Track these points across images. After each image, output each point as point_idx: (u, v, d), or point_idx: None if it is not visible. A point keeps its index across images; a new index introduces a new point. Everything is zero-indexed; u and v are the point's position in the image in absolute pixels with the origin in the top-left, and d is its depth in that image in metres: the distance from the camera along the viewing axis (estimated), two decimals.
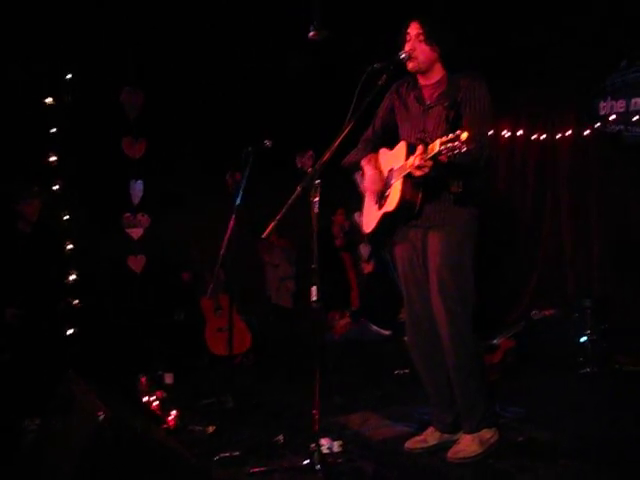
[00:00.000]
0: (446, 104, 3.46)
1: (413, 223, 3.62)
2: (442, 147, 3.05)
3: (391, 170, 3.63)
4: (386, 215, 3.60)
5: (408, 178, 3.43)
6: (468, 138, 2.97)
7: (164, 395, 4.86)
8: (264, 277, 7.86)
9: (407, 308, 3.84)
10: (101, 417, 2.55)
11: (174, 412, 4.38)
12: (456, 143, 2.99)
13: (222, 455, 3.67)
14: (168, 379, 5.59)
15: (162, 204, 6.84)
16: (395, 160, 3.59)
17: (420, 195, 3.48)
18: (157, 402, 4.67)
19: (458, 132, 2.99)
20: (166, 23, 5.82)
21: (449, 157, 3.06)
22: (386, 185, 3.65)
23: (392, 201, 3.53)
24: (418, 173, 3.29)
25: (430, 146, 3.18)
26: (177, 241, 6.89)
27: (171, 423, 4.32)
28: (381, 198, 3.69)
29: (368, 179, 3.75)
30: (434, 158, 3.17)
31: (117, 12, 5.59)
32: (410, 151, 3.42)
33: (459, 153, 3.00)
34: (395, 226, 3.70)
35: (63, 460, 2.77)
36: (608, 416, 4.22)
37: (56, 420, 3.06)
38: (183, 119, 6.71)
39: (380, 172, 3.73)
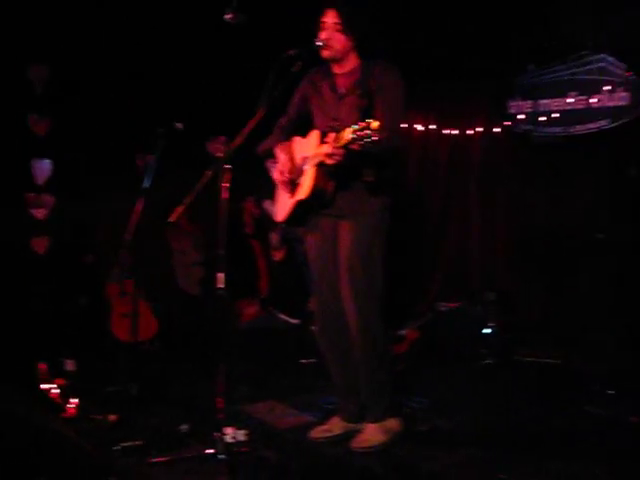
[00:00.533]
0: (359, 92, 3.46)
1: (325, 212, 3.61)
2: (353, 135, 3.04)
3: (304, 158, 3.61)
4: (298, 203, 3.59)
5: (320, 166, 3.42)
6: (379, 127, 2.98)
7: (65, 383, 4.69)
8: (172, 263, 7.73)
9: (316, 297, 3.84)
10: None
11: (74, 400, 4.25)
12: (367, 131, 2.99)
13: (124, 444, 3.58)
14: (69, 366, 5.39)
15: (69, 184, 6.60)
16: (308, 148, 3.58)
17: (332, 184, 3.48)
18: (57, 390, 4.51)
19: (369, 120, 2.99)
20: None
21: (361, 146, 3.05)
22: (298, 173, 3.63)
23: (304, 189, 3.52)
24: (330, 161, 3.29)
25: (341, 134, 3.17)
26: (84, 223, 6.68)
27: (71, 412, 4.19)
28: (293, 186, 3.67)
29: (280, 166, 3.72)
30: (346, 147, 3.16)
31: None
32: (323, 139, 3.41)
33: (370, 142, 3.00)
34: (307, 214, 3.70)
35: None
36: (506, 405, 4.40)
37: None
38: (93, 97, 6.48)
39: (293, 160, 3.71)
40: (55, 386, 4.55)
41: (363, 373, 3.66)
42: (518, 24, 5.83)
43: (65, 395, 4.42)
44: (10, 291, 6.15)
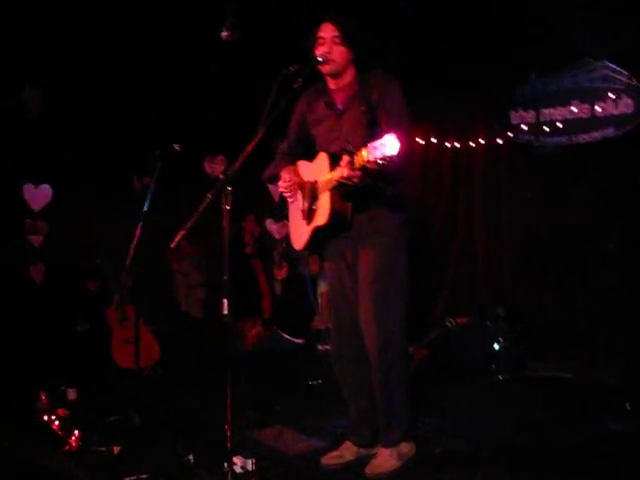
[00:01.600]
0: (363, 108, 3.34)
1: (343, 235, 3.50)
2: (370, 155, 2.90)
3: (315, 182, 3.49)
4: (317, 229, 3.47)
5: (336, 190, 3.30)
6: (395, 142, 2.85)
7: (66, 413, 4.58)
8: (173, 285, 7.64)
9: (334, 320, 3.74)
10: None
11: (76, 432, 4.12)
12: (384, 150, 2.84)
13: (128, 479, 3.45)
14: (71, 395, 5.30)
15: (67, 209, 6.52)
16: (318, 172, 3.45)
17: (350, 205, 3.37)
18: (58, 421, 4.39)
19: (385, 137, 2.84)
20: (73, 20, 5.53)
21: (379, 165, 2.93)
22: (313, 199, 3.52)
23: (322, 214, 3.40)
24: (348, 184, 3.17)
25: (356, 156, 3.04)
26: (82, 248, 6.58)
27: (73, 444, 4.06)
28: (309, 212, 3.55)
29: (282, 182, 3.62)
30: (363, 168, 3.05)
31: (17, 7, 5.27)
32: (333, 162, 3.28)
33: (388, 159, 2.88)
34: (326, 239, 3.59)
35: None
36: (521, 422, 4.25)
37: None
38: (90, 119, 6.41)
39: (302, 182, 3.61)
40: (56, 417, 4.43)
41: (380, 397, 3.54)
42: (518, 33, 5.77)
43: (67, 426, 4.30)
44: (10, 320, 6.04)
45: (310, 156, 3.59)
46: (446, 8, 5.70)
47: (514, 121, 6.28)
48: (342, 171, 3.13)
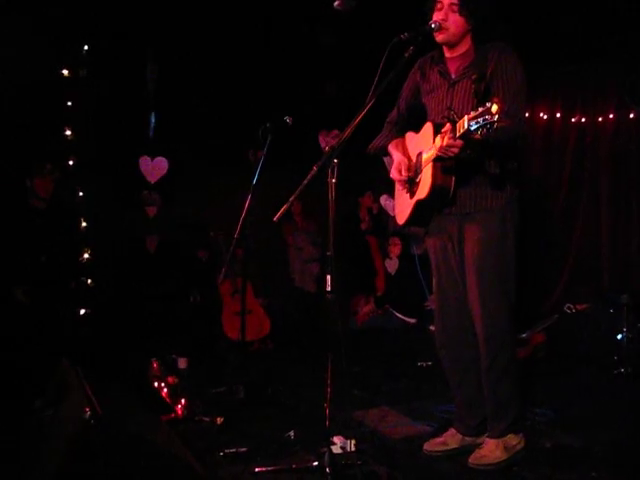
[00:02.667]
0: (474, 76, 3.13)
1: (447, 211, 3.34)
2: (471, 123, 2.73)
3: (419, 154, 3.35)
4: (418, 203, 3.33)
5: (438, 162, 3.14)
6: (499, 111, 2.65)
7: (175, 381, 4.68)
8: (288, 259, 7.66)
9: (438, 301, 3.58)
10: (87, 414, 2.34)
11: (183, 401, 4.21)
12: (487, 117, 2.67)
13: (228, 451, 3.46)
14: (182, 364, 5.42)
15: (181, 181, 6.64)
16: (423, 143, 3.31)
17: (453, 179, 3.19)
18: (167, 389, 4.50)
19: (488, 105, 2.66)
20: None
21: (482, 134, 2.74)
22: (416, 171, 3.37)
23: (424, 188, 3.25)
24: (448, 154, 3.01)
25: (458, 123, 2.88)
26: (196, 219, 6.70)
27: (179, 412, 4.17)
28: (412, 185, 3.41)
29: (396, 166, 3.48)
30: (464, 137, 2.87)
31: None
32: (437, 131, 3.12)
33: (492, 129, 2.70)
34: (430, 214, 3.44)
35: (50, 455, 2.57)
36: None
37: (47, 410, 2.87)
38: (204, 94, 6.48)
39: (409, 158, 3.47)
40: (165, 385, 4.53)
41: (488, 385, 3.37)
42: None
43: (175, 394, 4.39)
44: (127, 288, 6.23)
45: (419, 126, 3.43)
46: None
47: None
48: (442, 139, 2.97)
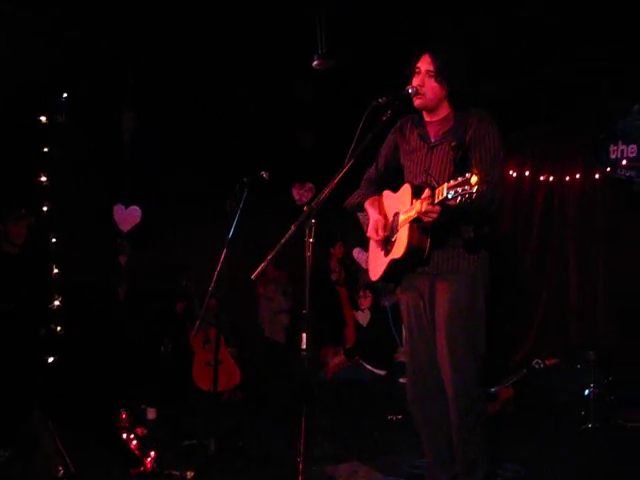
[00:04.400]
0: (453, 144, 3.23)
1: (420, 270, 3.40)
2: (450, 192, 2.81)
3: (396, 214, 3.41)
4: (393, 262, 3.38)
5: (415, 223, 3.21)
6: (479, 182, 2.74)
7: (144, 432, 4.61)
8: (257, 310, 7.65)
9: (409, 357, 3.61)
10: (60, 474, 2.31)
11: (152, 453, 4.15)
12: (466, 187, 2.75)
13: None
14: (150, 414, 5.36)
15: (155, 229, 6.66)
16: (400, 204, 3.38)
17: (428, 241, 3.26)
18: (136, 441, 4.43)
19: (467, 175, 2.75)
20: (165, 46, 5.66)
21: (459, 203, 2.83)
22: (392, 231, 3.44)
23: (399, 248, 3.31)
24: (426, 219, 3.08)
25: (437, 190, 2.95)
26: (169, 270, 6.69)
27: (148, 465, 4.09)
28: (387, 244, 3.47)
29: (372, 225, 3.54)
30: (442, 203, 2.95)
31: (116, 34, 5.43)
32: (416, 194, 3.20)
33: (469, 198, 2.78)
34: (402, 273, 3.49)
35: None
36: (610, 475, 4.00)
37: (17, 463, 2.83)
38: (181, 145, 6.54)
39: (385, 216, 3.53)
40: (134, 436, 4.47)
41: (458, 441, 3.38)
42: (618, 64, 5.54)
43: (144, 446, 4.33)
44: (96, 336, 6.16)
45: (397, 186, 3.50)
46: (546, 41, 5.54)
47: (613, 155, 6.02)
48: (421, 204, 3.04)
